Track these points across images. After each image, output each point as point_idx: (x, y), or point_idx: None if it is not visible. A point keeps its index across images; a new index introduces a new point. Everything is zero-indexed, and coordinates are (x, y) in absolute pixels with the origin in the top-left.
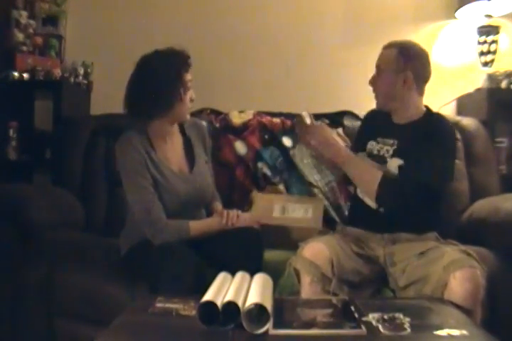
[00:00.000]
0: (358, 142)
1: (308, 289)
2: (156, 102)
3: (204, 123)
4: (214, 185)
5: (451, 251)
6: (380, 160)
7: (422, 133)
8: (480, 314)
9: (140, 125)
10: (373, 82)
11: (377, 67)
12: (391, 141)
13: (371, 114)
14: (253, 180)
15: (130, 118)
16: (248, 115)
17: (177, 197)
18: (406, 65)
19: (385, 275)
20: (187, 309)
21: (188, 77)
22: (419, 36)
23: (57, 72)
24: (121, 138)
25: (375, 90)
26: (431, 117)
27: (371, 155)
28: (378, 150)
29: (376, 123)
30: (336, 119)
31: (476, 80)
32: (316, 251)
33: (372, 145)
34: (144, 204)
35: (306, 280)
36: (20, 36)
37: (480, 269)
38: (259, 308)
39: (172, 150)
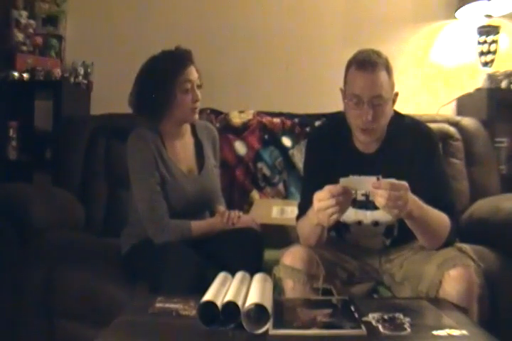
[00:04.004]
0: (314, 176)
1: (291, 295)
2: (153, 104)
3: (214, 128)
4: (220, 191)
5: (446, 248)
6: (370, 206)
7: (408, 152)
8: (476, 312)
9: (152, 123)
10: (376, 118)
11: (377, 97)
12: (373, 179)
13: (321, 140)
14: (253, 180)
15: (138, 117)
16: (248, 115)
17: (183, 197)
18: (393, 81)
19: (377, 272)
20: (187, 309)
21: (189, 77)
22: (419, 36)
23: (57, 72)
24: (133, 134)
25: (373, 129)
26: (400, 128)
27: (353, 203)
28: (364, 195)
29: (336, 154)
30: None
31: (476, 80)
32: (296, 255)
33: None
34: (148, 202)
35: (288, 286)
36: (20, 36)
37: (475, 267)
38: (259, 308)
39: (182, 151)
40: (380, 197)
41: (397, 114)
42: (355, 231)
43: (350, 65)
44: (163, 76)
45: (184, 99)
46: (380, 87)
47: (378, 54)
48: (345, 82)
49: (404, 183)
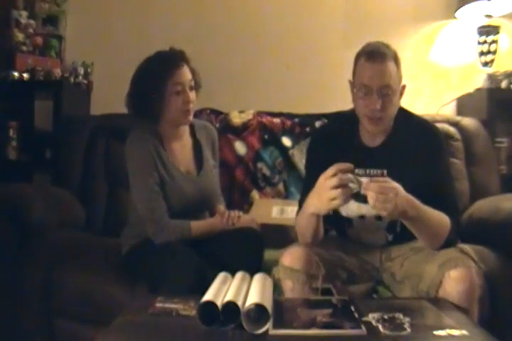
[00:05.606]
0: (315, 174)
1: (290, 295)
2: (146, 106)
3: (213, 128)
4: (220, 190)
5: (448, 248)
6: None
7: (413, 148)
8: (477, 313)
9: (150, 124)
10: (385, 108)
11: (386, 87)
12: (378, 172)
13: (326, 136)
14: (253, 180)
15: (136, 119)
16: (248, 115)
17: (183, 198)
18: (401, 73)
19: (377, 271)
20: (187, 309)
21: (180, 79)
22: (419, 36)
23: (57, 72)
24: (132, 135)
25: (381, 118)
26: (407, 124)
27: (356, 197)
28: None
29: (341, 149)
30: None
31: (476, 80)
32: (295, 255)
33: (352, 182)
34: (148, 202)
35: (287, 286)
36: (20, 36)
37: (476, 268)
38: (259, 308)
39: (181, 152)
40: (370, 198)
41: (404, 111)
42: (358, 226)
43: (359, 56)
44: (154, 78)
45: (175, 101)
46: (388, 76)
47: (387, 46)
48: (354, 74)
49: (395, 186)
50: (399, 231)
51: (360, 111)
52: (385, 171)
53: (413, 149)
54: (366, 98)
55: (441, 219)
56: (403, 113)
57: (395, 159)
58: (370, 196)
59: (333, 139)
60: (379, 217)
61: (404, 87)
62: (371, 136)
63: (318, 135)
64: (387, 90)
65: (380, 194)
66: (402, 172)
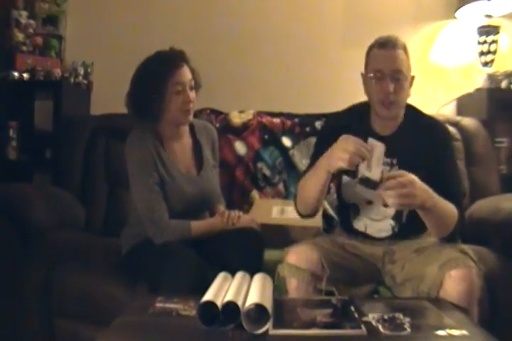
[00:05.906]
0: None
1: (295, 294)
2: (146, 106)
3: (213, 128)
4: (220, 190)
5: (449, 249)
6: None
7: (423, 140)
8: (476, 313)
9: (150, 124)
10: (397, 92)
11: (397, 71)
12: (388, 160)
13: (338, 123)
14: (253, 180)
15: (135, 118)
16: (248, 115)
17: (183, 198)
18: (410, 64)
19: (380, 273)
20: (187, 309)
21: (180, 78)
22: (419, 36)
23: (57, 72)
24: (132, 135)
25: (394, 102)
26: (417, 118)
27: (366, 182)
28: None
29: (353, 135)
30: None
31: (476, 80)
32: (301, 254)
33: (364, 169)
34: (147, 202)
35: (292, 285)
36: (20, 36)
37: (476, 269)
38: (259, 308)
39: (181, 152)
40: (389, 198)
41: (414, 108)
42: (365, 213)
43: (371, 48)
44: (154, 77)
45: (175, 101)
46: (400, 62)
47: (397, 38)
48: (367, 65)
49: (410, 178)
50: (404, 222)
51: (373, 98)
52: (395, 161)
53: (423, 140)
54: (379, 83)
55: (451, 209)
56: (412, 109)
57: (405, 148)
58: (389, 195)
59: (345, 126)
60: (386, 204)
61: (413, 77)
62: (382, 125)
63: (330, 122)
64: (398, 75)
65: (400, 189)
66: (411, 161)
